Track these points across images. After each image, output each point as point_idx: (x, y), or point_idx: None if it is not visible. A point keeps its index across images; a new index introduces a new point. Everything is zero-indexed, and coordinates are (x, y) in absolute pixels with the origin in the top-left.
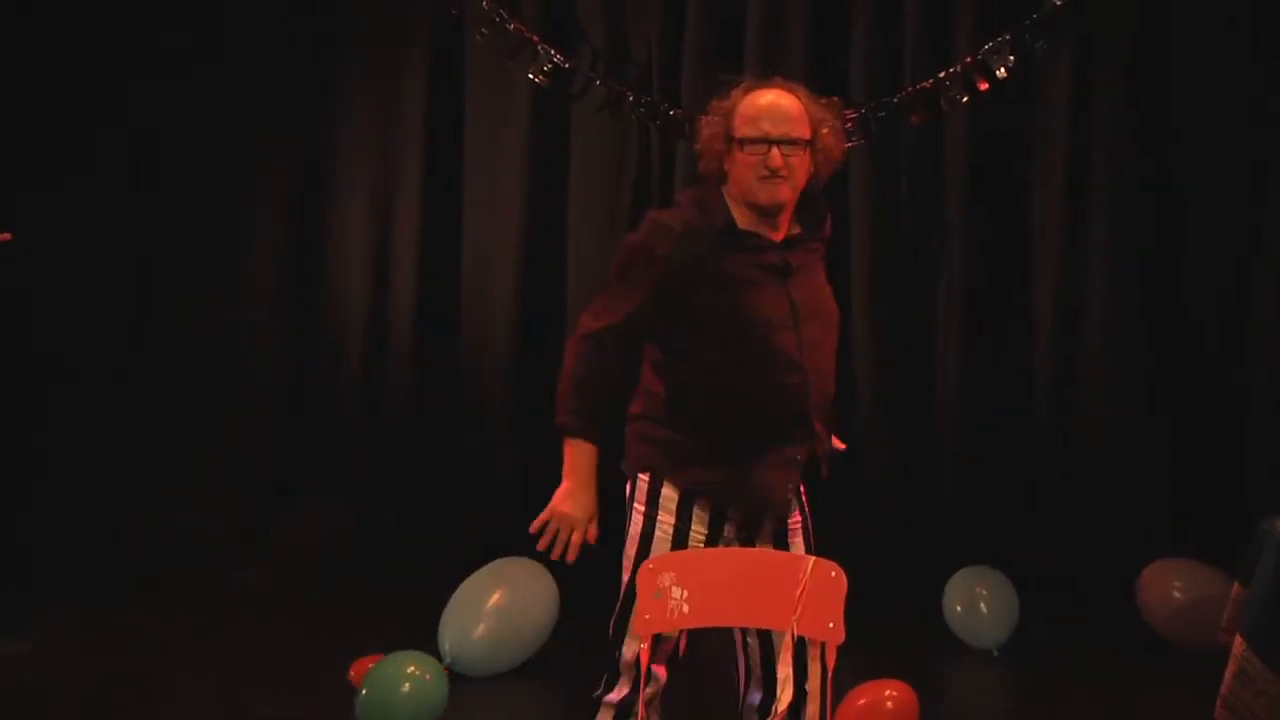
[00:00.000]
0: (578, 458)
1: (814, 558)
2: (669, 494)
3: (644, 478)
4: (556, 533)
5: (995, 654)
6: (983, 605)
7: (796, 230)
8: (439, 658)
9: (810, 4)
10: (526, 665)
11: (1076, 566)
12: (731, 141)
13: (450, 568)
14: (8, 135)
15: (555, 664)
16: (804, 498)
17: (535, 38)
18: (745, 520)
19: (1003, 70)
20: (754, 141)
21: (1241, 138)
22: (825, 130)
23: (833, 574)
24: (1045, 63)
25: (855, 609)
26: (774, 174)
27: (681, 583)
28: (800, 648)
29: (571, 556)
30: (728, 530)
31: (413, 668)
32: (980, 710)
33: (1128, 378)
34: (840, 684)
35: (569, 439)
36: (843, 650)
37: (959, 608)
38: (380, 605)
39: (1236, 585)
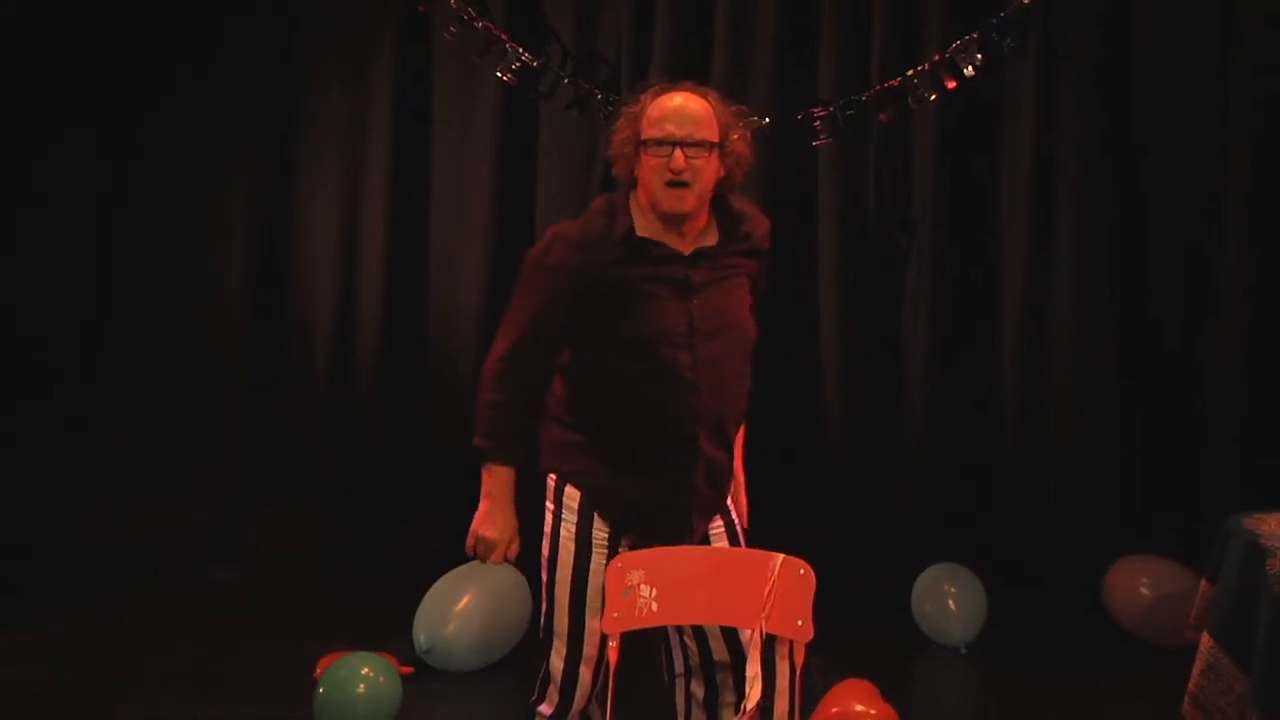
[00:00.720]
0: (494, 481)
1: (782, 556)
2: (571, 494)
3: (552, 478)
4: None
5: (963, 651)
6: (951, 603)
7: (711, 242)
8: (413, 651)
9: (779, 2)
10: (502, 662)
11: (1043, 564)
12: (639, 145)
13: (420, 567)
14: None
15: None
16: (733, 516)
17: (504, 36)
18: (642, 539)
19: (970, 69)
20: (658, 143)
21: (1205, 136)
22: (735, 135)
23: (801, 572)
24: (1012, 61)
25: (824, 607)
26: (677, 177)
27: (650, 580)
28: (769, 645)
29: (498, 562)
30: (624, 544)
31: (368, 669)
32: (949, 708)
33: (1092, 377)
34: (809, 682)
35: (485, 463)
36: (811, 648)
37: (927, 606)
38: (350, 604)
39: (1204, 582)
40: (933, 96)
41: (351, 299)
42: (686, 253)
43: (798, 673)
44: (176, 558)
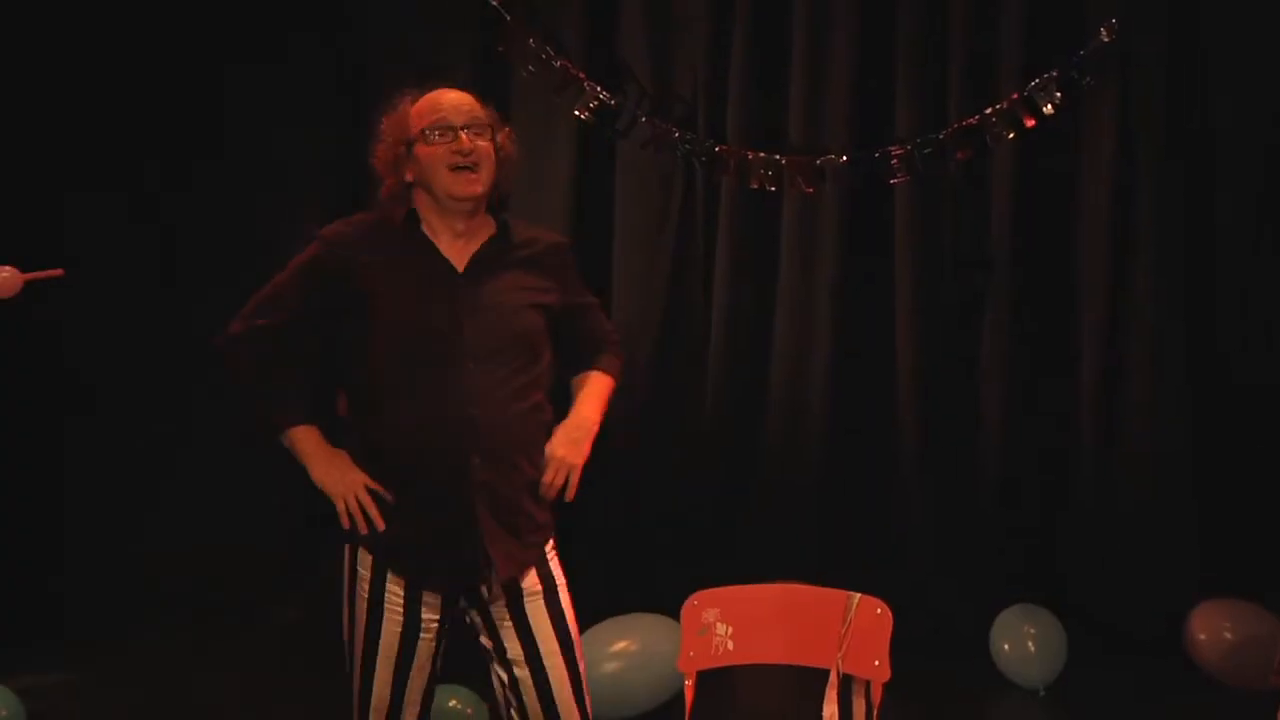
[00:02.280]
0: (304, 442)
1: (859, 595)
2: (362, 553)
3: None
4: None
5: (1042, 694)
6: (1030, 644)
7: (487, 250)
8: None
9: (855, 41)
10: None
11: (1123, 606)
12: (411, 144)
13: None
14: (55, 155)
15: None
16: (553, 570)
17: (581, 74)
18: (444, 589)
19: (1050, 107)
20: (438, 129)
21: None
22: (506, 130)
23: (878, 611)
24: (1091, 98)
25: (900, 646)
26: (465, 159)
27: (726, 619)
28: (845, 685)
29: (379, 521)
30: (428, 599)
31: (454, 702)
32: None
33: (1171, 417)
34: None
35: (289, 432)
36: (888, 688)
37: (1006, 646)
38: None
39: None
40: (1011, 135)
41: None
42: (460, 268)
43: (874, 713)
44: (239, 591)
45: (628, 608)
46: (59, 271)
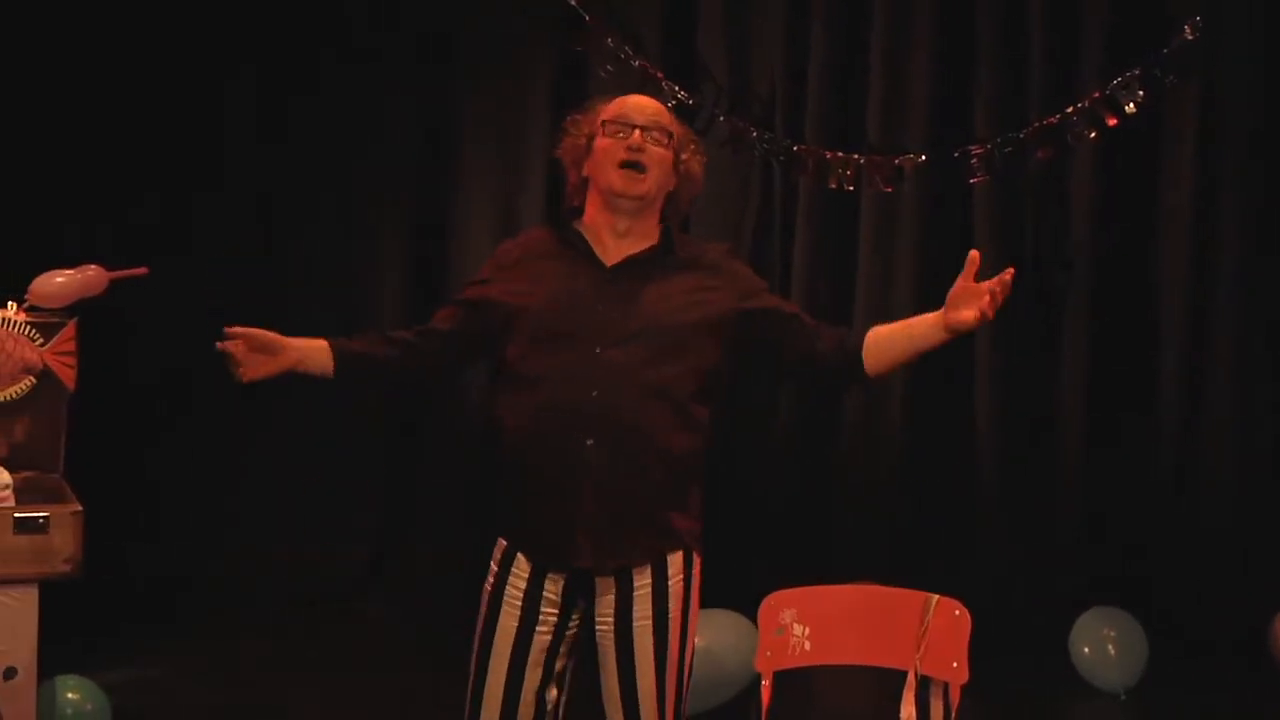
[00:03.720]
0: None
1: (938, 596)
2: (498, 544)
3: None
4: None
5: (1122, 698)
6: (1110, 647)
7: (644, 252)
8: None
9: (935, 38)
10: (718, 709)
11: (1205, 611)
12: (591, 138)
13: None
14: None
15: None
16: (671, 595)
17: (659, 74)
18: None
19: (1132, 105)
20: (616, 124)
21: None
22: (692, 146)
23: (956, 613)
24: (1174, 97)
25: (979, 648)
26: (633, 156)
27: (803, 620)
28: (924, 687)
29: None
30: (549, 588)
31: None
32: None
33: (1253, 418)
34: None
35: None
36: (966, 690)
37: (1086, 649)
38: None
39: None
40: (1092, 134)
41: None
42: (609, 263)
43: (953, 715)
44: (330, 589)
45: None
46: (143, 270)
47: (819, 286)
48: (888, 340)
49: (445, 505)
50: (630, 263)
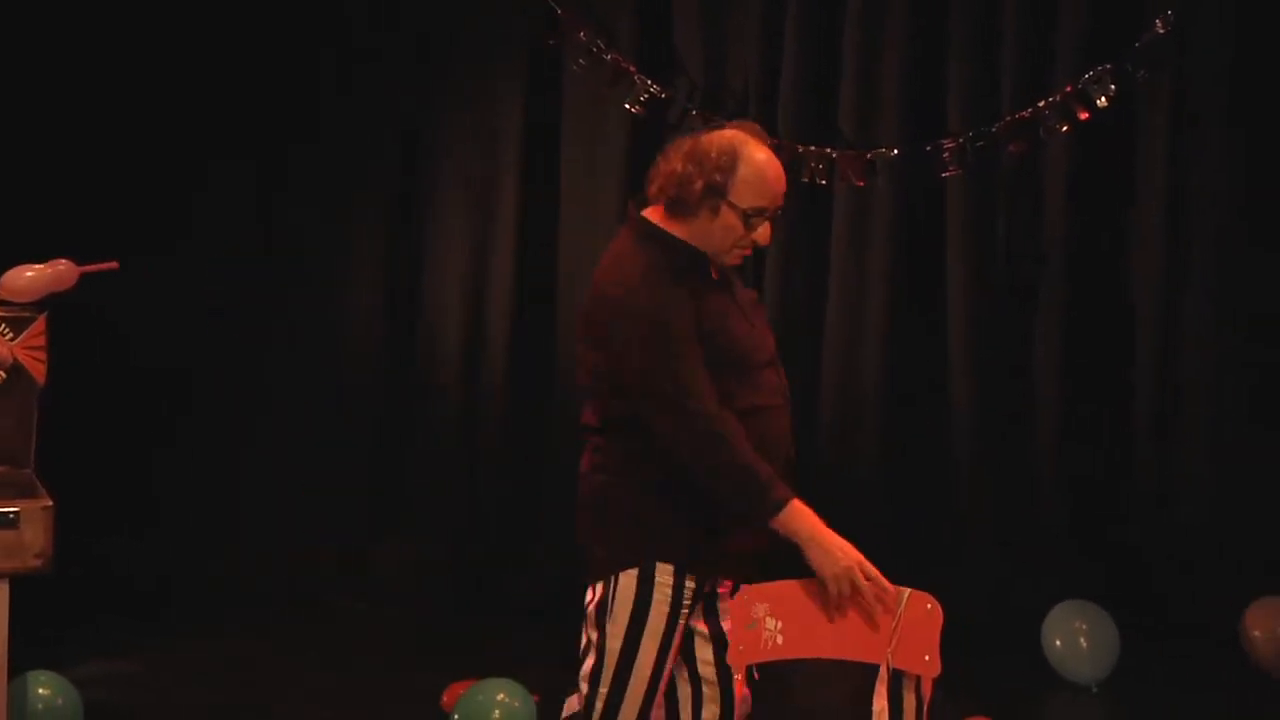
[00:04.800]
0: (802, 518)
1: (910, 589)
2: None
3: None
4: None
5: (1094, 690)
6: (1082, 640)
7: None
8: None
9: (908, 33)
10: None
11: (1178, 602)
12: (719, 198)
13: (546, 597)
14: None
15: None
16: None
17: (632, 68)
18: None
19: (1103, 100)
20: (759, 214)
21: None
22: None
23: (929, 606)
24: (1145, 92)
25: (951, 641)
26: (750, 250)
27: (775, 614)
28: (896, 681)
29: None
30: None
31: (502, 695)
32: None
33: (1227, 412)
34: (938, 716)
35: (790, 506)
36: (938, 683)
37: (1058, 642)
38: (476, 633)
39: None
40: (1064, 128)
41: (481, 327)
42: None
43: (925, 708)
44: (309, 587)
45: None
46: (114, 264)
47: (793, 280)
48: None
49: (422, 506)
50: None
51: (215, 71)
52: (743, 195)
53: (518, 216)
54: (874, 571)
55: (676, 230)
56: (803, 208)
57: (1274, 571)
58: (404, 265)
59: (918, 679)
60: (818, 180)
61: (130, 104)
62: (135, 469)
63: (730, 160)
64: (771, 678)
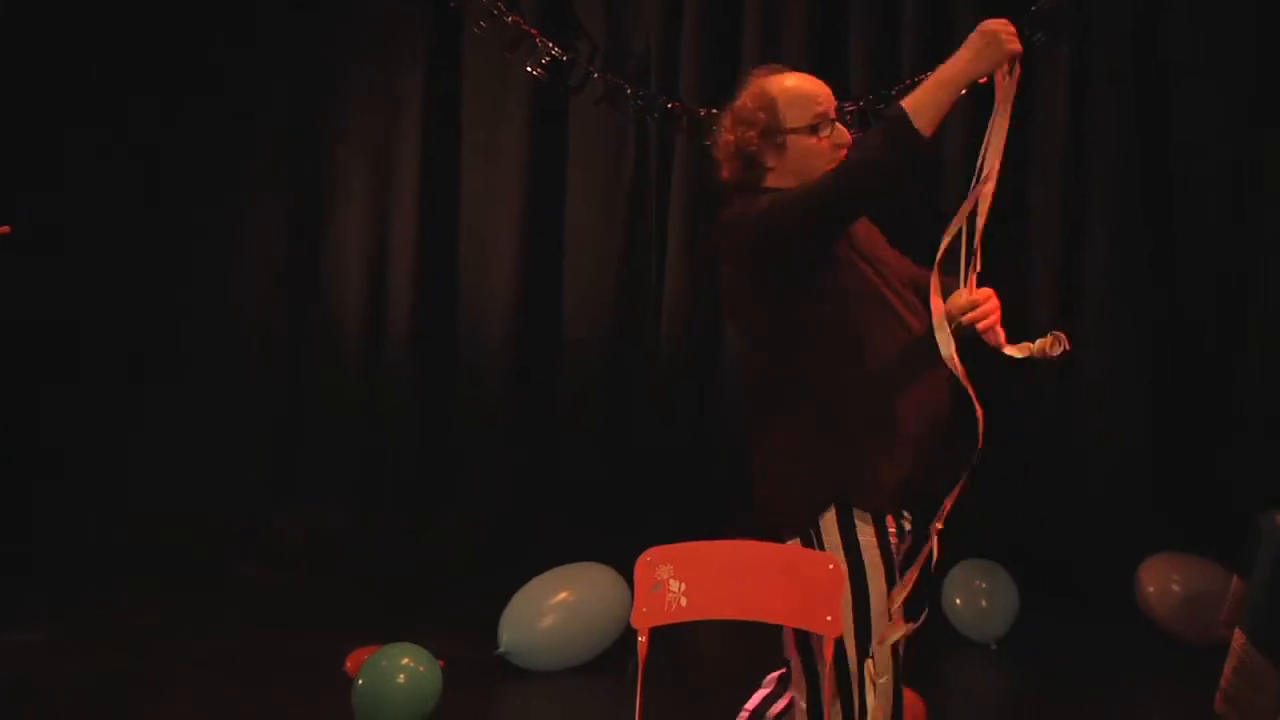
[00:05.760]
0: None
1: (812, 550)
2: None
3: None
4: None
5: (994, 648)
6: (982, 600)
7: None
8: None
9: None
10: (589, 663)
11: (1075, 562)
12: (777, 134)
13: (449, 563)
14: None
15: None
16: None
17: (534, 31)
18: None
19: None
20: (823, 121)
21: (1239, 134)
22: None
23: (830, 566)
24: (1044, 56)
25: None
26: (845, 147)
27: (680, 575)
28: (804, 640)
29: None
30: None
31: (407, 660)
32: (978, 705)
33: (1125, 374)
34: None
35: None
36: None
37: (958, 601)
38: (379, 599)
39: (1236, 579)
40: (963, 92)
41: (382, 296)
42: None
43: (825, 667)
44: (210, 555)
45: (573, 558)
46: (5, 229)
47: (696, 240)
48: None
49: (325, 473)
50: None
51: (107, 26)
52: (795, 117)
53: (419, 182)
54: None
55: (775, 185)
56: (706, 167)
57: (1166, 529)
58: (305, 231)
59: (822, 638)
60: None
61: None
62: (25, 433)
63: (765, 98)
64: (673, 637)
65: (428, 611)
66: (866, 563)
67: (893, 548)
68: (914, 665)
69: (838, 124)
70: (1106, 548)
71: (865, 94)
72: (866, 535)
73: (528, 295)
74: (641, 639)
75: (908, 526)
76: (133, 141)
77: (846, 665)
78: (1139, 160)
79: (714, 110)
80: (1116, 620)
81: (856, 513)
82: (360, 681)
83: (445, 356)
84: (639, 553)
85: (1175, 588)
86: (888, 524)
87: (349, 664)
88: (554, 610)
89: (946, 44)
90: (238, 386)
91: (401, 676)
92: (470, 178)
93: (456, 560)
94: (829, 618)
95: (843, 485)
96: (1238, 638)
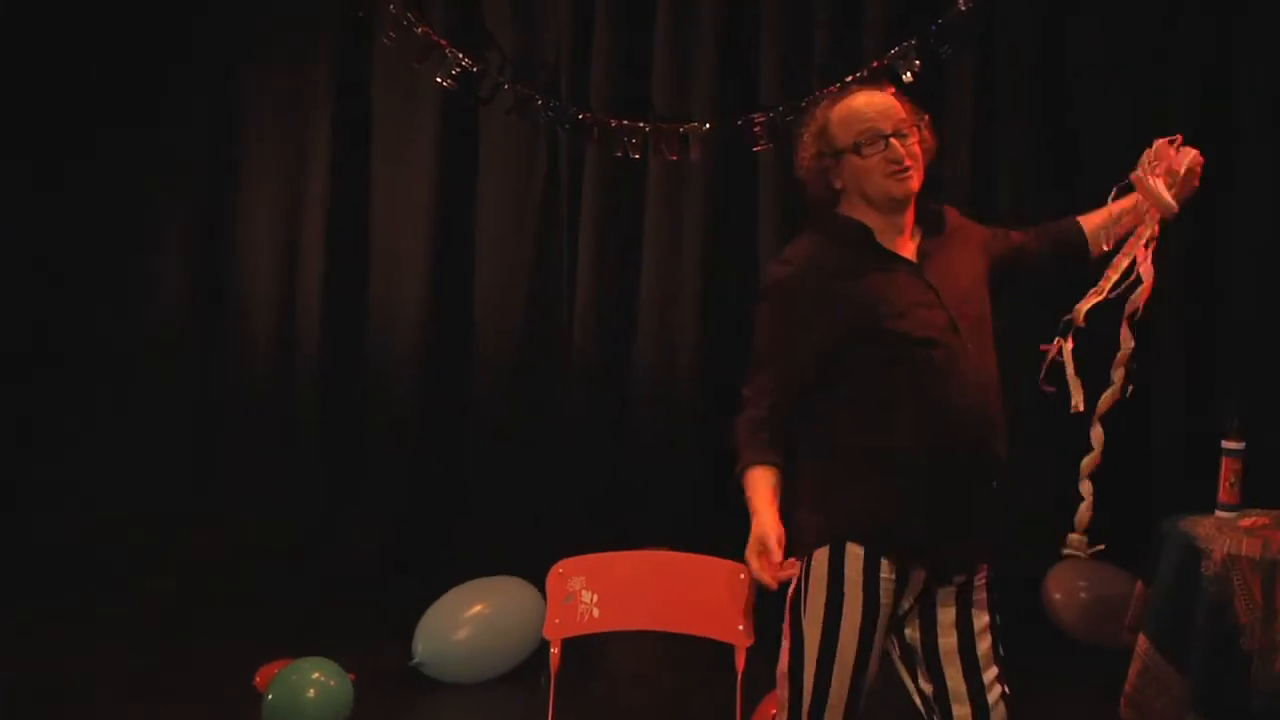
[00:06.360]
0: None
1: (723, 560)
2: (850, 547)
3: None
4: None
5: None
6: None
7: (923, 239)
8: (413, 657)
9: (720, 8)
10: (504, 675)
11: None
12: (839, 154)
13: (361, 574)
14: None
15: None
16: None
17: (443, 41)
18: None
19: (909, 75)
20: (868, 138)
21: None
22: (925, 118)
23: (741, 576)
24: (951, 68)
25: (765, 609)
26: (900, 166)
27: (591, 586)
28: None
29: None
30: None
31: (318, 674)
32: (887, 707)
33: (1033, 381)
34: (752, 686)
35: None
36: (753, 651)
37: None
38: (291, 611)
39: (1140, 584)
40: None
41: (291, 307)
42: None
43: (739, 678)
44: (115, 566)
45: (489, 571)
46: None
47: (606, 252)
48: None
49: (231, 484)
50: (925, 254)
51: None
52: (842, 136)
53: (328, 192)
54: (769, 546)
55: (851, 208)
56: (617, 179)
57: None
58: (213, 241)
59: (734, 648)
60: (631, 154)
61: None
62: None
63: (820, 123)
64: (586, 648)
65: (340, 624)
66: (846, 596)
67: (880, 589)
68: None
69: (893, 140)
70: (1015, 552)
71: (775, 105)
72: (853, 572)
73: (439, 305)
74: (554, 650)
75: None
76: (38, 174)
77: (801, 685)
78: (1050, 169)
79: (625, 121)
80: (1024, 624)
81: (848, 547)
82: (270, 696)
83: (355, 366)
84: (552, 564)
85: (1082, 593)
86: (882, 567)
87: (258, 678)
88: (469, 622)
89: (856, 56)
90: (147, 399)
91: (312, 691)
92: (380, 188)
93: (369, 572)
94: (740, 627)
95: (836, 520)
96: (1141, 642)
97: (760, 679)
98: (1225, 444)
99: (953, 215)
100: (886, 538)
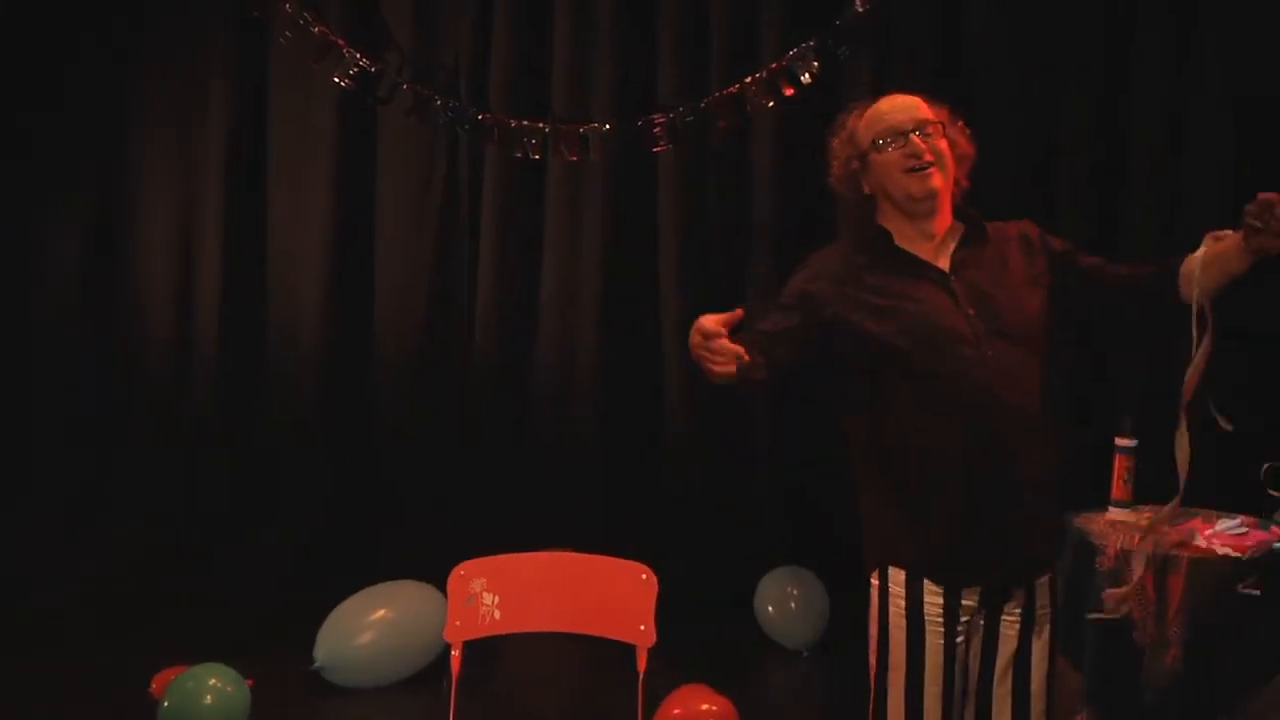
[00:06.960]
0: None
1: (624, 561)
2: (893, 570)
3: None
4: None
5: (805, 654)
6: (793, 605)
7: (958, 247)
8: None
9: (619, 10)
10: (407, 680)
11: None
12: (864, 156)
13: (261, 579)
14: None
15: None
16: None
17: (341, 41)
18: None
19: (807, 76)
20: (886, 134)
21: (1041, 138)
22: (958, 125)
23: (643, 577)
24: (849, 69)
25: (667, 610)
26: (919, 161)
27: (493, 589)
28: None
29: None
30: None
31: (215, 680)
32: (789, 711)
33: None
34: (653, 686)
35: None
36: (655, 652)
37: (770, 608)
38: (189, 617)
39: None
40: (770, 104)
41: (189, 307)
42: (945, 268)
43: (640, 678)
44: (12, 574)
45: (391, 573)
46: None
47: (507, 253)
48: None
49: (132, 489)
50: (960, 262)
51: None
52: (865, 136)
53: (224, 192)
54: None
55: (884, 215)
56: (518, 180)
57: None
58: (108, 244)
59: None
60: (531, 155)
61: None
62: None
63: (844, 129)
64: (486, 651)
65: (242, 629)
66: (890, 624)
67: (924, 613)
68: (726, 671)
69: (913, 136)
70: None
71: (674, 106)
72: (896, 594)
73: (339, 306)
74: (455, 653)
75: (969, 602)
76: None
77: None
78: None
79: (525, 122)
80: None
81: (892, 572)
82: (165, 704)
83: (254, 370)
84: (454, 566)
85: None
86: (924, 587)
87: (154, 685)
88: (372, 627)
89: (754, 55)
90: (42, 402)
91: (208, 697)
92: (278, 188)
93: (269, 576)
94: (642, 627)
95: (879, 545)
96: None
97: (661, 679)
98: (1118, 441)
99: (1011, 227)
100: (922, 557)
